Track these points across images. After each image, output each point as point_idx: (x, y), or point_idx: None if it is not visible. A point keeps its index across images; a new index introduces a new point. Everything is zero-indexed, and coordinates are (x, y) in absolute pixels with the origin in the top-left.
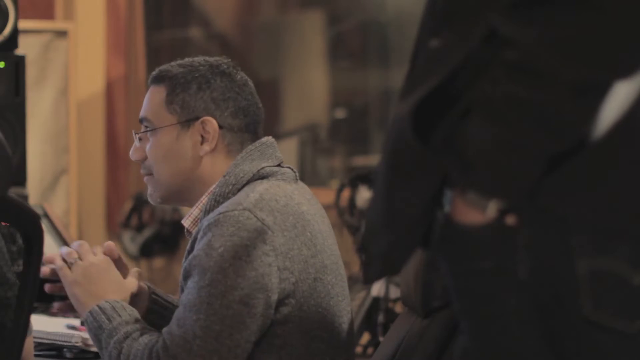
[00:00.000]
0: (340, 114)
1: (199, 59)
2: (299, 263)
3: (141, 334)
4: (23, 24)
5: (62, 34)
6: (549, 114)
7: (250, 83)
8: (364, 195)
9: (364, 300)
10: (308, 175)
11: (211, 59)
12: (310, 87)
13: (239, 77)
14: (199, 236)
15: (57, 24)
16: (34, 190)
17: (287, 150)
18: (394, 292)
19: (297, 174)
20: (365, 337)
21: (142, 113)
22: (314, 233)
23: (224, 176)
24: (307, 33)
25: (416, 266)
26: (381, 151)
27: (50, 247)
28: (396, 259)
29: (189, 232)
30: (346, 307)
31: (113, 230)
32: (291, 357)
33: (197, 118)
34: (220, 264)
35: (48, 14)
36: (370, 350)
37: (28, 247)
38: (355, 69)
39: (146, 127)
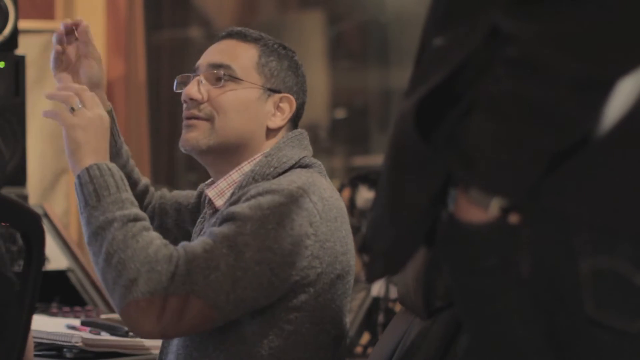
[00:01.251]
0: (340, 114)
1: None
2: (329, 256)
3: (150, 228)
4: (23, 24)
5: None
6: (550, 112)
7: None
8: (364, 195)
9: (364, 300)
10: None
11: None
12: (310, 87)
13: None
14: (242, 198)
15: (57, 24)
16: (34, 190)
17: None
18: (394, 292)
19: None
20: (366, 337)
21: (221, 59)
22: (347, 232)
23: (266, 157)
24: (307, 33)
25: (416, 267)
26: (385, 149)
27: (51, 247)
28: (399, 257)
29: (210, 205)
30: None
31: None
32: (298, 345)
33: (280, 92)
34: (263, 221)
35: (48, 14)
36: (370, 350)
37: (28, 247)
38: (355, 69)
39: (225, 73)
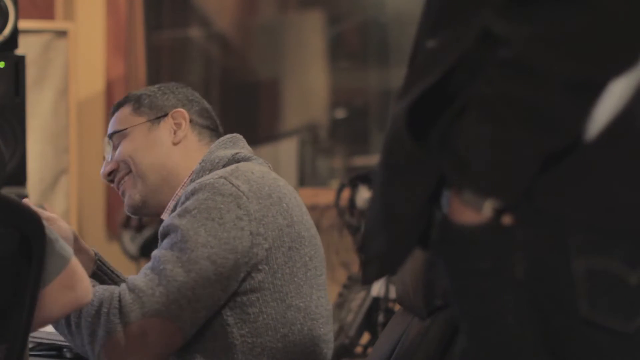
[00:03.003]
0: (340, 114)
1: None
2: (273, 230)
3: (94, 285)
4: (23, 24)
5: (62, 34)
6: (543, 113)
7: None
8: (364, 195)
9: (364, 300)
10: (308, 175)
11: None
12: (310, 87)
13: (192, 91)
14: (177, 207)
15: (57, 24)
16: (34, 190)
17: (287, 150)
18: (394, 292)
19: (271, 167)
20: (366, 337)
21: (108, 132)
22: (290, 205)
23: (200, 164)
24: (307, 33)
25: (415, 266)
26: (380, 151)
27: None
28: (393, 259)
29: None
30: (323, 283)
31: (113, 230)
32: (268, 327)
33: (166, 114)
34: (192, 222)
35: (48, 14)
36: (370, 350)
37: (28, 247)
38: (355, 69)
39: (113, 136)
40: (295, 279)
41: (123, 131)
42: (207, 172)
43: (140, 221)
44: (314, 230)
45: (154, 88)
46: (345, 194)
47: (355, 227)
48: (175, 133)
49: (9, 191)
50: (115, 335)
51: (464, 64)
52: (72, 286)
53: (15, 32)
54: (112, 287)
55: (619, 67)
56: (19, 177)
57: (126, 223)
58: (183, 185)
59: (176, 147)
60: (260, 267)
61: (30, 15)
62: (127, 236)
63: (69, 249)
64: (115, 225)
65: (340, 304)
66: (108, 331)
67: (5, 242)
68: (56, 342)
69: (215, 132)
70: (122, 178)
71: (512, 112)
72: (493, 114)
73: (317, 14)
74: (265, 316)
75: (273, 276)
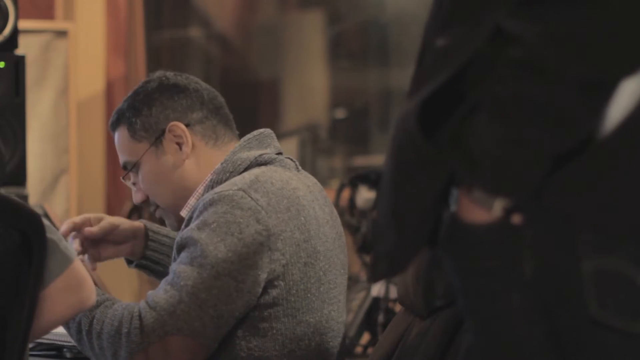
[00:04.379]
0: (340, 114)
1: (138, 85)
2: (290, 246)
3: (114, 303)
4: (23, 24)
5: (62, 34)
6: (554, 112)
7: (193, 78)
8: (364, 195)
9: (364, 300)
10: None
11: (148, 79)
12: (310, 87)
13: (174, 79)
14: (194, 215)
15: (57, 24)
16: (34, 190)
17: (287, 150)
18: (394, 292)
19: (298, 164)
20: (366, 337)
21: (120, 160)
22: (308, 218)
23: (222, 164)
24: (307, 33)
25: (416, 266)
26: (387, 150)
27: None
28: (402, 258)
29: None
30: (338, 295)
31: None
32: (276, 342)
33: (163, 131)
34: (212, 237)
35: (48, 14)
36: (370, 350)
37: (28, 247)
38: (355, 69)
39: (129, 168)
40: (309, 295)
41: (135, 163)
42: (228, 174)
43: None
44: (331, 239)
45: (139, 101)
46: (345, 194)
47: (355, 227)
48: (181, 149)
49: (9, 191)
50: (139, 355)
51: (475, 62)
52: (74, 287)
53: (15, 32)
54: (132, 305)
55: (630, 67)
56: (19, 177)
57: None
58: (203, 183)
59: (187, 162)
60: (276, 283)
61: (30, 15)
62: None
63: (72, 250)
64: None
65: None
66: (130, 352)
67: (5, 241)
68: (56, 342)
69: (215, 116)
70: (155, 211)
71: (523, 111)
72: (504, 113)
73: (317, 14)
74: (274, 331)
75: (288, 292)
